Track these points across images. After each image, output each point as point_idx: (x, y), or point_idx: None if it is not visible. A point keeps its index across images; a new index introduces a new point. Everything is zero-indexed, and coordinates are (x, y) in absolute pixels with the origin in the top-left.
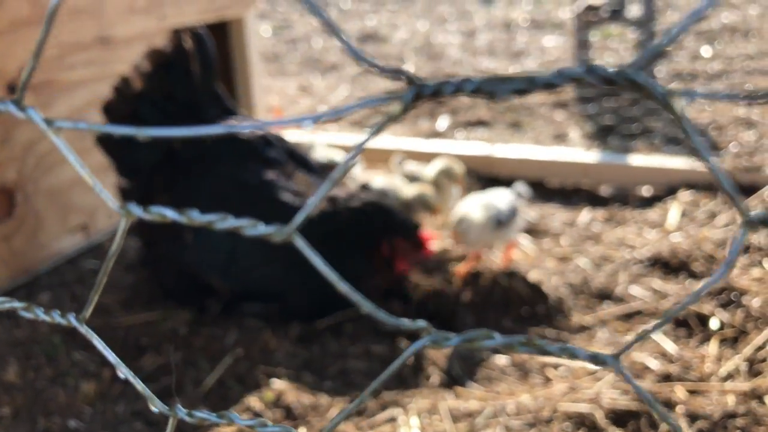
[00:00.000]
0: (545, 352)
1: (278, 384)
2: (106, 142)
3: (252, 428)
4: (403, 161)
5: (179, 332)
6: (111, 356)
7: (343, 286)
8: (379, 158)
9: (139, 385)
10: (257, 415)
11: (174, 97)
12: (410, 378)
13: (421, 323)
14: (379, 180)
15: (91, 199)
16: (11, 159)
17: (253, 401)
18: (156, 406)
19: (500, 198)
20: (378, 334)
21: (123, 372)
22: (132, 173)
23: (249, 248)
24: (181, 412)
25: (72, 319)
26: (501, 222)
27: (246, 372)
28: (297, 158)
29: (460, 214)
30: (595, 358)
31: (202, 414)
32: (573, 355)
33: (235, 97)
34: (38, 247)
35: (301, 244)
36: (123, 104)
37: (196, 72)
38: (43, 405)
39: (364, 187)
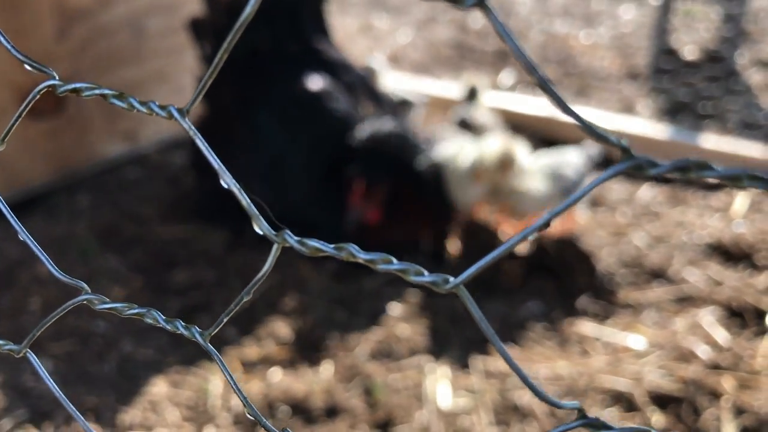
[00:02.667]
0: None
1: (309, 315)
2: (196, 29)
3: (373, 263)
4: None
5: (214, 251)
6: (214, 161)
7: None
8: (439, 106)
9: (245, 200)
10: (284, 343)
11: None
12: (443, 329)
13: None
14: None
15: None
16: (67, 55)
17: (282, 328)
18: (262, 227)
19: (568, 164)
20: None
21: (227, 181)
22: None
23: (295, 159)
24: (291, 239)
25: (173, 111)
26: (567, 191)
27: (278, 299)
28: (370, 90)
29: (522, 189)
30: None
31: (316, 243)
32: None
33: None
34: (83, 148)
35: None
36: None
37: None
38: None
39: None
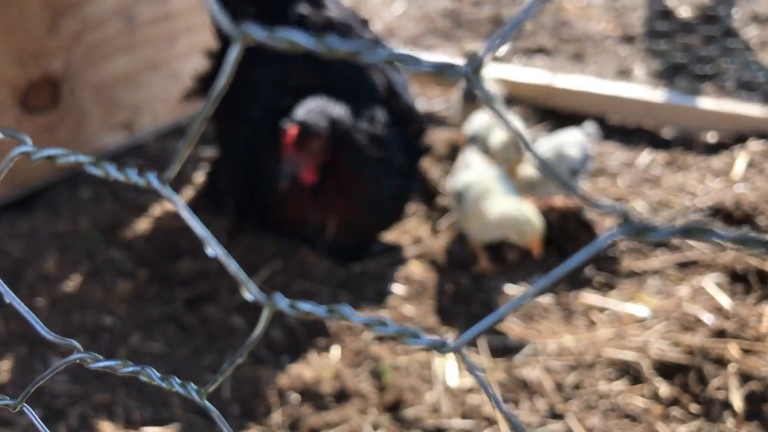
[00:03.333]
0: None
1: (315, 300)
2: None
3: (369, 327)
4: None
5: (217, 239)
6: (200, 229)
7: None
8: (432, 79)
9: (233, 266)
10: (292, 331)
11: None
12: (448, 308)
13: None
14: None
15: (136, 97)
16: (59, 48)
17: (289, 315)
18: (251, 292)
19: (572, 143)
20: (420, 260)
21: (213, 249)
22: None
23: (252, 103)
24: (282, 302)
25: (153, 180)
26: (574, 171)
27: (283, 285)
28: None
29: (530, 171)
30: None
31: (307, 306)
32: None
33: None
34: (81, 141)
35: None
36: None
37: None
38: (80, 299)
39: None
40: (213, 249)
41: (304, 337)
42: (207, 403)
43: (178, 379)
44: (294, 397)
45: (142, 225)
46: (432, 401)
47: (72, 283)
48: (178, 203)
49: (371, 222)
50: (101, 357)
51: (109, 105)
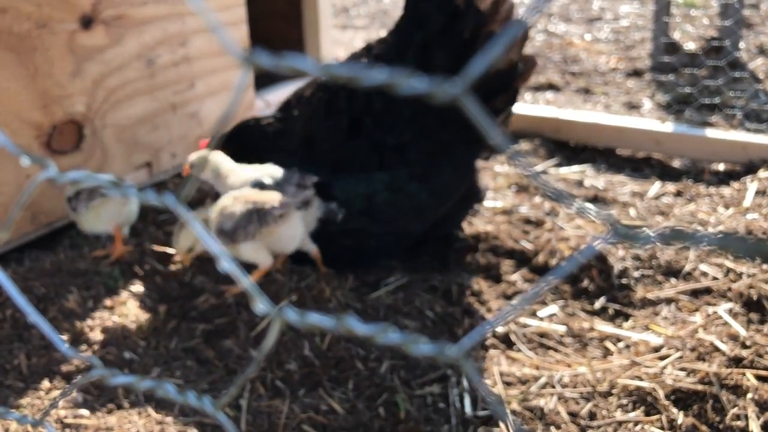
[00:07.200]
0: None
1: (330, 332)
2: None
3: (373, 336)
4: None
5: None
6: (213, 245)
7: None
8: None
9: (245, 281)
10: (307, 363)
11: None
12: (464, 338)
13: None
14: None
15: (156, 138)
16: (81, 92)
17: (304, 348)
18: (262, 303)
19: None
20: (435, 295)
21: (226, 264)
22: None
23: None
24: (291, 314)
25: (169, 200)
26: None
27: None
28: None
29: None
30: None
31: (315, 317)
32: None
33: (304, 46)
34: None
35: None
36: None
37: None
38: (101, 335)
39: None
40: (226, 264)
41: (320, 369)
42: (222, 414)
43: (194, 393)
44: (310, 429)
45: (162, 261)
46: None
47: (93, 320)
48: (189, 219)
49: None
50: (119, 372)
51: (130, 145)
